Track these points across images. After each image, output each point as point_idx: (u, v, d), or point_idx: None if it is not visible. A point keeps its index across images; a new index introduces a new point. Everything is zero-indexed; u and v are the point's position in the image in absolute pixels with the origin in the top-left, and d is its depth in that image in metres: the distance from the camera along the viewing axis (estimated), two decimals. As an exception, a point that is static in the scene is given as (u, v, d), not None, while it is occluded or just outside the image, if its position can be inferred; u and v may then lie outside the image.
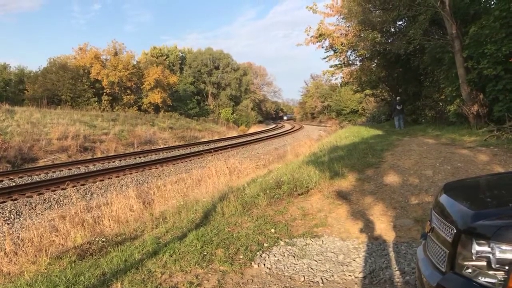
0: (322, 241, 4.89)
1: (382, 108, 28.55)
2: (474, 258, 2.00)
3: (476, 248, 1.99)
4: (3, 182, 12.37)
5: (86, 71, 38.63)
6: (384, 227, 5.17)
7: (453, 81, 14.04)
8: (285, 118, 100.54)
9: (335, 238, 4.97)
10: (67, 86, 35.47)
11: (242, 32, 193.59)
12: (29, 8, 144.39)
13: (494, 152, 8.61)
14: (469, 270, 2.03)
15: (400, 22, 18.28)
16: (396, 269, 4.00)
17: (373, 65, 22.59)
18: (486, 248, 1.96)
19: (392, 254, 4.36)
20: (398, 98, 19.75)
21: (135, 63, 43.94)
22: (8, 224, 8.46)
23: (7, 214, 9.05)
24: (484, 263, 1.96)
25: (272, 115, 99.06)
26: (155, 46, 59.68)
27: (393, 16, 15.57)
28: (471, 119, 12.94)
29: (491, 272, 1.94)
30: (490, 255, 1.94)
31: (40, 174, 13.79)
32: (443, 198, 2.61)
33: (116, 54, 41.55)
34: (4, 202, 9.77)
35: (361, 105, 41.14)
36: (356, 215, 5.67)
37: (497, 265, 1.91)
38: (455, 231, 2.16)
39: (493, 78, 12.04)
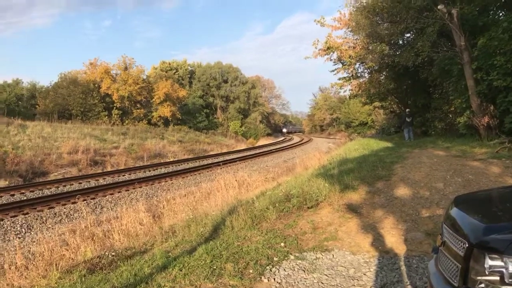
0: (333, 255, 4.84)
1: (391, 120, 28.42)
2: (487, 272, 1.97)
3: (489, 262, 1.97)
4: (15, 196, 12.51)
5: (96, 85, 39.24)
6: (395, 241, 5.11)
7: (463, 92, 13.97)
8: (284, 130, 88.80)
9: (346, 252, 4.91)
10: (77, 100, 36.04)
11: (251, 46, 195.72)
12: (42, 25, 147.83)
13: (506, 164, 8.50)
14: (482, 285, 2.00)
15: (408, 35, 18.30)
16: (408, 283, 3.95)
17: (382, 77, 22.58)
18: (499, 263, 1.93)
19: (403, 268, 4.30)
20: (407, 110, 19.68)
21: (144, 77, 44.59)
22: (19, 238, 8.53)
23: (18, 228, 9.13)
24: (497, 278, 1.94)
25: (280, 127, 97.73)
26: (164, 61, 60.48)
27: (401, 28, 15.63)
28: (481, 131, 12.81)
29: (504, 287, 1.91)
30: (504, 270, 1.91)
31: (50, 188, 13.92)
32: (454, 212, 2.58)
33: (126, 68, 42.22)
34: (16, 216, 9.86)
35: (370, 117, 41.11)
36: (366, 228, 5.62)
37: (510, 280, 1.89)
38: (467, 245, 2.14)
39: (503, 90, 11.98)
